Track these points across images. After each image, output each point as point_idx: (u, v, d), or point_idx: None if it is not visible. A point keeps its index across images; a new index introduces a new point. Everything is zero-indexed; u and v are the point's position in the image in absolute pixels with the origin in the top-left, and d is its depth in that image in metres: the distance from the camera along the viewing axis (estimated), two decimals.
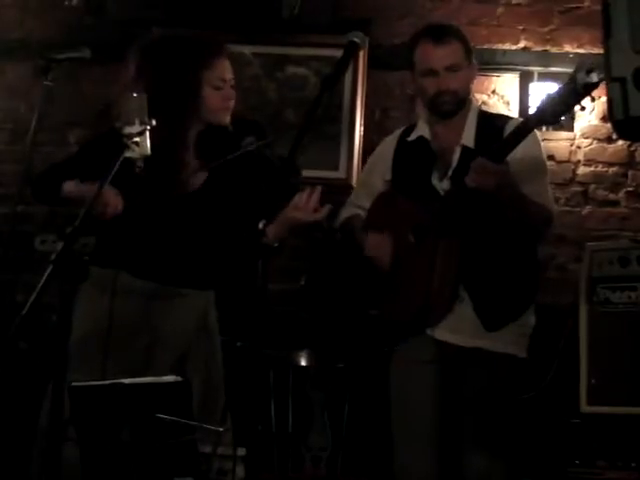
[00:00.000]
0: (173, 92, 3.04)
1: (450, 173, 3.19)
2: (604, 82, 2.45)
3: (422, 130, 3.30)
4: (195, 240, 3.11)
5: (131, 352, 3.04)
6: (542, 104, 2.89)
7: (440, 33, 3.21)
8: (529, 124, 2.98)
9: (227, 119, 3.12)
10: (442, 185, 3.20)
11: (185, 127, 3.09)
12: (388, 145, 3.42)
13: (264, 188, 2.88)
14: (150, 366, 3.04)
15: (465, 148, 3.20)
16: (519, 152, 3.02)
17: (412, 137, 3.32)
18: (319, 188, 2.95)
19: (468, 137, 3.21)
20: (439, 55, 3.18)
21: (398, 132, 3.43)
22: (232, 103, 3.13)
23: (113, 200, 2.94)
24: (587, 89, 2.76)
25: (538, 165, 3.21)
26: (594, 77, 2.74)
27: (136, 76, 3.06)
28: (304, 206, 2.93)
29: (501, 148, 2.98)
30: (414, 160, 3.29)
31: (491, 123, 3.23)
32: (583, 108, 2.81)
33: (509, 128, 3.12)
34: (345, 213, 3.47)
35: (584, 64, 2.79)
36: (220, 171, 3.10)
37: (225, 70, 3.11)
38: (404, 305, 3.21)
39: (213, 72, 3.08)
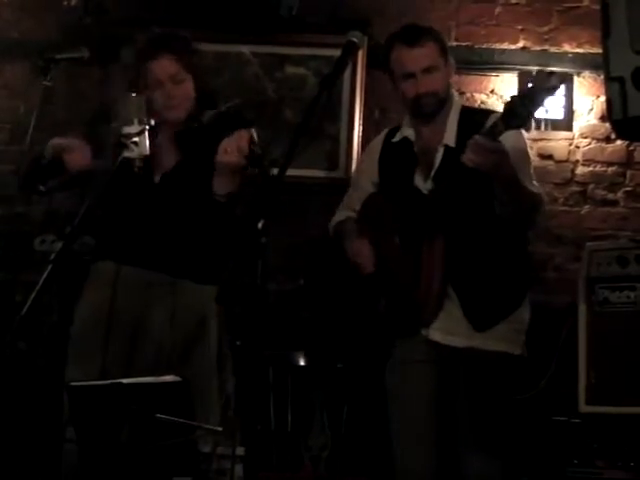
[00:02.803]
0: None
1: (433, 173, 3.19)
2: (602, 82, 2.46)
3: (406, 131, 3.30)
4: (175, 223, 3.11)
5: (121, 342, 3.06)
6: (505, 110, 2.85)
7: (413, 35, 3.18)
8: (499, 129, 2.92)
9: (178, 115, 3.13)
10: (426, 186, 3.19)
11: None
12: (375, 146, 3.43)
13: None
14: (132, 356, 3.06)
15: (447, 148, 3.19)
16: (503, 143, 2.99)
17: (396, 138, 3.32)
18: (246, 133, 2.95)
19: (450, 136, 3.21)
20: (414, 57, 3.16)
21: (384, 133, 3.43)
22: (177, 100, 3.12)
23: (79, 148, 3.03)
24: (548, 92, 2.75)
25: (522, 155, 3.20)
26: (553, 80, 2.73)
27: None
28: (231, 149, 2.94)
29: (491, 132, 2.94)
30: (398, 161, 3.29)
31: (472, 120, 3.20)
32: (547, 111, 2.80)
33: (489, 123, 3.10)
34: (338, 217, 3.47)
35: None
36: (189, 150, 3.14)
37: (159, 71, 3.10)
38: (394, 306, 3.21)
39: (150, 75, 3.10)
